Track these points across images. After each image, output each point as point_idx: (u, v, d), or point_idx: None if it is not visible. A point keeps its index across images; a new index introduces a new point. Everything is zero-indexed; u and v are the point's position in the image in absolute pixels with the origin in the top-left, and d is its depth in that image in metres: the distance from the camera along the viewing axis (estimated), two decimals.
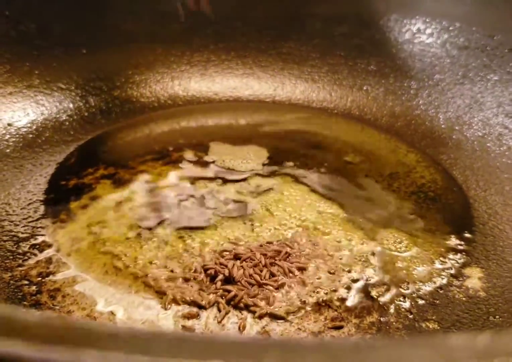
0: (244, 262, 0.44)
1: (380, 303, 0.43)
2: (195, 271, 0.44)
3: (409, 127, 0.67)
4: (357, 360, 0.15)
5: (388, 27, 0.71)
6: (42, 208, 0.52)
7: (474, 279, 0.46)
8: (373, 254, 0.47)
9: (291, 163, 0.60)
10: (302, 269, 0.45)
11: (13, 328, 0.14)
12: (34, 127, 0.64)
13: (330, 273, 0.45)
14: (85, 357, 0.14)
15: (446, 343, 0.16)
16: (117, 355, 0.15)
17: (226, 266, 0.44)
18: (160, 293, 0.42)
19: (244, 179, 0.57)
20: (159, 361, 0.15)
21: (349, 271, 0.45)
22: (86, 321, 0.33)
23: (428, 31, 0.69)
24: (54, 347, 0.14)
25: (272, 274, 0.44)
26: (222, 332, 0.39)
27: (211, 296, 0.42)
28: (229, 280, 0.43)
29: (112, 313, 0.40)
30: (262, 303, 0.41)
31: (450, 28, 0.68)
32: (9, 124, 0.62)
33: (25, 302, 0.41)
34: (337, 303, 0.42)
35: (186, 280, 0.43)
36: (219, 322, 0.40)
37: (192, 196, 0.54)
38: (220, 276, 0.43)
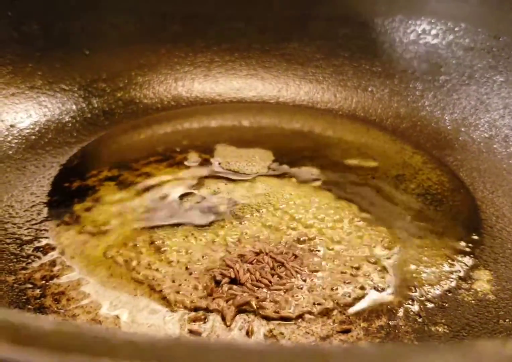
0: (250, 264, 0.44)
1: (389, 306, 0.42)
2: (201, 274, 0.43)
3: (414, 129, 0.67)
4: None
5: (393, 28, 0.70)
6: (45, 210, 0.51)
7: (483, 282, 0.45)
8: (381, 256, 0.47)
9: (296, 165, 0.59)
10: (310, 272, 0.44)
11: (27, 336, 0.14)
12: (37, 128, 0.63)
13: (338, 275, 0.44)
14: None
15: (474, 350, 0.15)
16: None
17: (232, 268, 0.43)
18: (165, 297, 0.41)
19: (249, 181, 0.56)
20: None
21: (357, 274, 0.44)
22: (102, 328, 0.32)
23: (434, 32, 0.69)
24: (69, 356, 0.13)
25: (280, 277, 0.43)
26: (229, 336, 0.39)
27: (218, 300, 0.41)
28: (235, 283, 0.42)
29: (117, 316, 0.40)
30: (270, 307, 0.41)
31: (456, 29, 0.67)
32: (11, 126, 0.62)
33: (29, 306, 0.40)
34: (346, 307, 0.42)
35: (192, 283, 0.43)
36: (227, 326, 0.39)
37: (196, 197, 0.53)
38: (226, 279, 0.42)
